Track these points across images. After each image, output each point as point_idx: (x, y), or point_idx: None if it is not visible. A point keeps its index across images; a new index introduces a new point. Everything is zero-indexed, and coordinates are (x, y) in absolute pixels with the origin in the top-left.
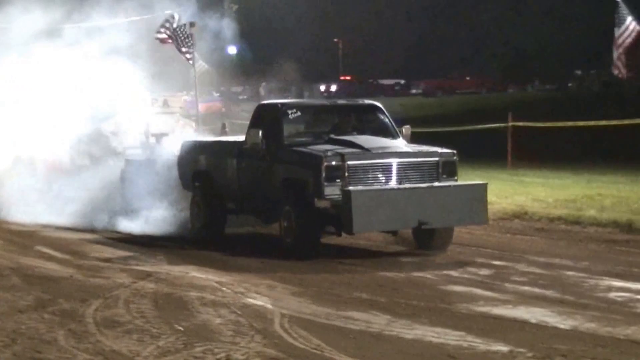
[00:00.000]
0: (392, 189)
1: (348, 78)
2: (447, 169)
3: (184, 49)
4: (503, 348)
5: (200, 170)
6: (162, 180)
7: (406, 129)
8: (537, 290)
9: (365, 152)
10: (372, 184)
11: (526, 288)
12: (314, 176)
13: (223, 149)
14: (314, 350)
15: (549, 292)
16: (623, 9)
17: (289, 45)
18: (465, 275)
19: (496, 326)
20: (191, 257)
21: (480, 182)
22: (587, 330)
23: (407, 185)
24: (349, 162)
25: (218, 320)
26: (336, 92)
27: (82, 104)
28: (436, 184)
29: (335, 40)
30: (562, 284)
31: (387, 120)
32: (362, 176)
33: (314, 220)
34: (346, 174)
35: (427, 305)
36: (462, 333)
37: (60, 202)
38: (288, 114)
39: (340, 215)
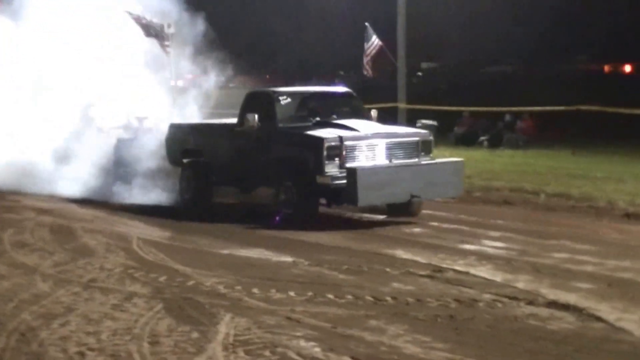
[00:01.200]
0: (390, 166)
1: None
2: (425, 147)
3: (166, 43)
4: (289, 259)
5: (190, 149)
6: (149, 156)
7: (374, 112)
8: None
9: (358, 133)
10: (364, 161)
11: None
12: (315, 155)
13: (214, 130)
14: (159, 262)
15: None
16: (370, 30)
17: None
18: (265, 212)
19: (285, 244)
20: (82, 200)
21: (459, 159)
22: (345, 246)
23: (402, 162)
24: (346, 143)
25: (94, 242)
26: None
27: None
28: (424, 161)
29: None
30: (332, 217)
31: (359, 105)
32: (356, 154)
33: (314, 194)
34: (344, 153)
35: (237, 230)
36: (261, 249)
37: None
38: (280, 100)
39: (346, 190)
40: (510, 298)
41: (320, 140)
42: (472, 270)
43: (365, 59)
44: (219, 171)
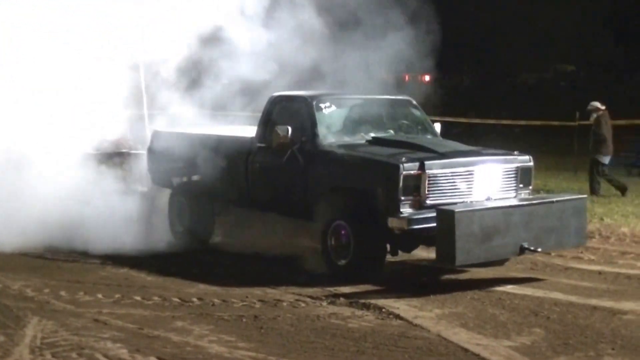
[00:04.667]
0: (497, 207)
1: None
2: (525, 178)
3: None
4: (97, 261)
5: (184, 166)
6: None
7: (437, 125)
8: None
9: (441, 156)
10: (452, 197)
11: None
12: (386, 188)
13: (223, 143)
14: None
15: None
16: None
17: None
18: None
19: (95, 246)
20: None
21: (581, 195)
22: (155, 248)
23: (507, 200)
24: (430, 171)
25: None
26: None
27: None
28: (528, 195)
29: None
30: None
31: (422, 116)
32: (442, 188)
33: (383, 242)
34: (426, 185)
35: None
36: (70, 252)
37: None
38: (322, 108)
39: (438, 242)
40: (313, 298)
41: (394, 167)
42: (276, 270)
43: None
44: (225, 197)
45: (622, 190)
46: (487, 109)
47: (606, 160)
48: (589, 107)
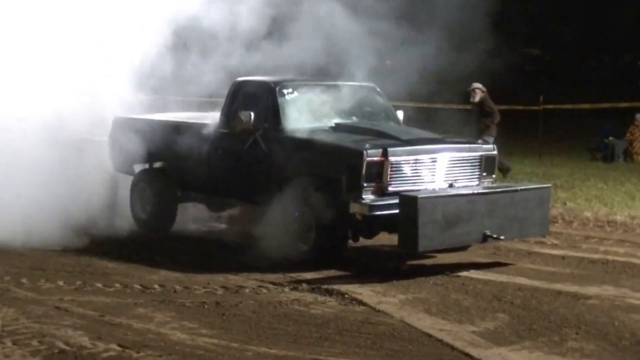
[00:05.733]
0: (460, 195)
1: None
2: (489, 166)
3: None
4: (58, 247)
5: (146, 152)
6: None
7: (400, 112)
8: None
9: (404, 143)
10: (415, 184)
11: None
12: (349, 174)
13: (185, 129)
14: None
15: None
16: None
17: None
18: None
19: (54, 232)
20: None
21: (545, 184)
22: (120, 234)
23: (471, 188)
24: (392, 158)
25: None
26: None
27: None
28: (490, 184)
29: None
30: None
31: (385, 103)
32: (404, 175)
33: (342, 227)
34: (388, 172)
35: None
36: (30, 238)
37: None
38: (285, 94)
39: (400, 228)
40: (275, 284)
41: (357, 153)
42: (239, 257)
43: None
44: (187, 183)
45: (505, 172)
46: (451, 93)
47: (492, 140)
48: (474, 87)
